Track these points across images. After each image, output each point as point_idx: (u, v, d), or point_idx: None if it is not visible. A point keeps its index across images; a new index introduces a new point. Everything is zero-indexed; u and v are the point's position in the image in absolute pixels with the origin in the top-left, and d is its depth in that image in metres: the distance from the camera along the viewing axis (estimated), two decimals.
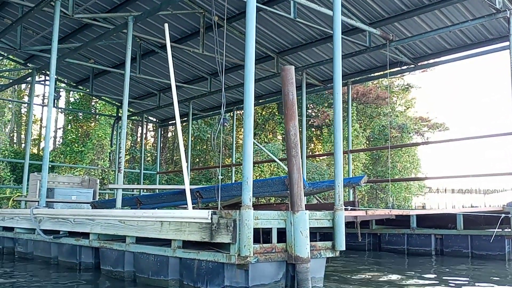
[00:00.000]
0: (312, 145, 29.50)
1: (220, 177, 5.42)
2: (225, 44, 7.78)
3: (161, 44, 11.02)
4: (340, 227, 4.39)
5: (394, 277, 5.29)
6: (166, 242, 4.48)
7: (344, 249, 4.39)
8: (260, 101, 13.12)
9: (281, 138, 27.18)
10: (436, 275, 5.51)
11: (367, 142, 26.52)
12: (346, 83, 11.15)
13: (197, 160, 27.88)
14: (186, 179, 6.71)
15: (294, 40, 10.09)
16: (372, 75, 11.30)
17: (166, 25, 7.13)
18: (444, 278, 5.26)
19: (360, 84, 25.78)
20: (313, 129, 28.72)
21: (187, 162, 13.98)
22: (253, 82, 4.01)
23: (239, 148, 25.38)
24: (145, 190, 14.56)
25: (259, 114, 28.96)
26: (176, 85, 12.31)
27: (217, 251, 3.94)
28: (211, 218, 3.85)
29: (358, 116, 26.50)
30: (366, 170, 25.50)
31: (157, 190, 14.53)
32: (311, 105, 28.35)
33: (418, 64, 10.01)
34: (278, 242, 4.09)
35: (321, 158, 25.51)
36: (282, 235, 4.48)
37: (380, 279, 5.15)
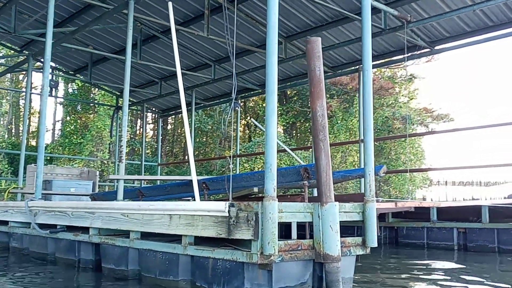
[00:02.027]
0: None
1: (231, 165, 4.95)
2: (234, 27, 7.25)
3: (163, 28, 10.48)
4: (372, 221, 3.90)
5: (425, 276, 4.83)
6: (175, 238, 4.00)
7: (376, 245, 3.90)
8: (265, 89, 12.56)
9: (282, 130, 26.70)
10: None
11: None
12: (357, 69, 10.62)
13: (197, 152, 27.36)
14: (193, 169, 6.22)
15: (303, 23, 9.55)
16: (385, 60, 10.74)
17: (170, 3, 6.62)
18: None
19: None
20: None
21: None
22: (276, 55, 3.52)
23: (240, 140, 24.91)
24: (147, 181, 14.04)
25: (260, 105, 28.45)
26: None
27: (235, 248, 3.45)
28: (229, 211, 3.35)
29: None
30: None
31: (159, 181, 14.05)
32: None
33: (435, 48, 9.47)
34: (298, 237, 3.62)
35: None
36: (300, 229, 4.02)
37: (414, 280, 4.68)
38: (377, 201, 5.81)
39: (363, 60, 4.28)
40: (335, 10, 8.56)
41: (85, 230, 5.00)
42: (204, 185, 6.90)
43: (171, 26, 6.47)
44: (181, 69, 10.97)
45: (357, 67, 10.62)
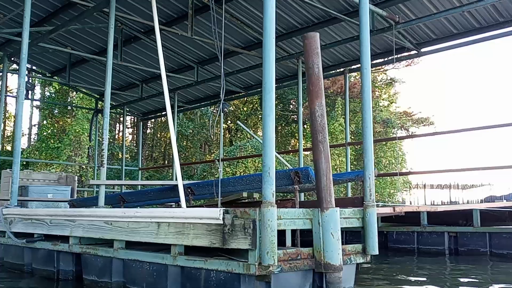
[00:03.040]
0: (292, 140, 28.92)
1: (220, 169, 4.70)
2: (221, 26, 7.02)
3: (144, 28, 10.18)
4: (372, 227, 3.70)
5: (424, 278, 4.64)
6: (164, 247, 3.73)
7: (377, 253, 3.70)
8: (250, 91, 12.36)
9: (261, 134, 26.52)
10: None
11: (352, 137, 26.05)
12: (342, 71, 10.48)
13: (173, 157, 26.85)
14: (179, 174, 5.96)
15: (288, 24, 9.35)
16: (371, 62, 10.60)
17: (153, 0, 6.38)
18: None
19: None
20: (295, 124, 28.16)
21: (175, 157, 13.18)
22: (274, 51, 3.29)
23: (222, 144, 24.59)
24: (127, 187, 13.68)
25: (240, 109, 28.24)
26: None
27: (229, 258, 3.20)
28: (223, 218, 3.11)
29: (343, 110, 25.99)
30: (351, 166, 24.99)
31: (140, 187, 13.68)
32: (294, 100, 27.78)
33: (422, 50, 9.38)
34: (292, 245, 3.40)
35: (304, 153, 24.74)
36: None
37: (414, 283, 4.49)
38: (384, 205, 5.63)
39: (362, 59, 4.10)
40: (321, 11, 8.40)
41: (65, 239, 4.69)
42: (189, 190, 6.64)
43: (154, 24, 6.23)
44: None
45: (343, 69, 10.49)
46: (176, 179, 12.43)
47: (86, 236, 4.33)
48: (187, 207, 5.86)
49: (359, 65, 10.58)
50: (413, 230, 7.47)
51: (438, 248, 7.19)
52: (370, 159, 3.80)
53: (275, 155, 8.18)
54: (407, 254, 7.23)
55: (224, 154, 19.17)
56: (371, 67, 11.66)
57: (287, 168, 8.73)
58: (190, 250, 3.53)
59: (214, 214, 3.13)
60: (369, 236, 3.68)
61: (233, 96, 12.92)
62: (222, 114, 5.25)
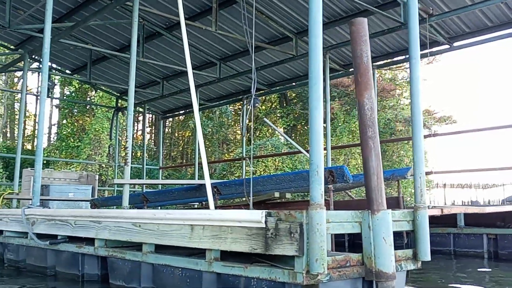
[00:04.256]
0: None
1: (251, 168, 4.44)
2: (249, 18, 6.74)
3: (166, 24, 9.96)
4: (424, 231, 3.38)
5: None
6: (196, 252, 3.47)
7: (429, 259, 3.38)
8: (273, 89, 12.06)
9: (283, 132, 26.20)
10: None
11: None
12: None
13: (195, 155, 26.76)
14: (206, 173, 5.70)
15: None
16: (398, 58, 10.21)
17: None
18: None
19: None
20: None
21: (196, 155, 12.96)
22: (321, 38, 3.01)
23: (240, 143, 24.40)
24: (148, 186, 13.49)
25: (259, 107, 27.92)
26: (183, 71, 11.31)
27: (272, 265, 2.92)
28: (266, 222, 2.82)
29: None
30: None
31: (161, 186, 13.50)
32: None
33: (454, 44, 8.99)
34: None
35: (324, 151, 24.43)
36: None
37: None
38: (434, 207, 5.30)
39: (410, 49, 3.78)
40: (350, 3, 8.07)
41: (90, 241, 4.46)
42: (215, 190, 6.39)
43: (180, 18, 5.95)
44: (185, 67, 10.48)
45: (372, 64, 10.13)
46: (198, 178, 12.22)
47: (113, 239, 4.09)
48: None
49: (387, 61, 10.32)
50: (449, 231, 7.11)
51: (476, 251, 6.82)
52: (421, 157, 3.48)
53: (304, 153, 7.86)
54: (443, 256, 6.88)
55: (242, 153, 18.91)
56: (400, 63, 11.18)
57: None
58: (225, 255, 3.26)
59: (256, 217, 2.86)
60: (421, 241, 3.37)
61: (256, 93, 12.62)
62: (253, 109, 4.96)
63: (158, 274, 3.66)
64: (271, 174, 17.09)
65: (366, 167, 3.05)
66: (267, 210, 2.86)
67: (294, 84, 11.73)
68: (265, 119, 9.99)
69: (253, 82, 4.85)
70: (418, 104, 3.59)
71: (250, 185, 5.04)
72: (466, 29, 8.67)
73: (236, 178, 19.17)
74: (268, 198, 5.85)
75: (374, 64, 10.01)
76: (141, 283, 3.78)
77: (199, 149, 12.37)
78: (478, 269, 5.77)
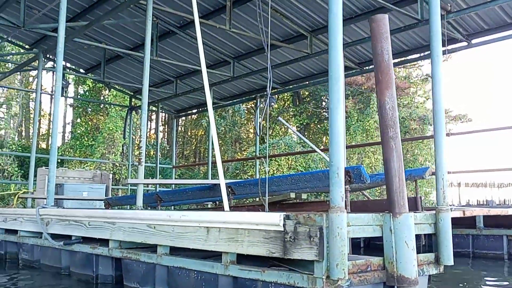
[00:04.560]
0: (325, 137, 28.35)
1: (267, 168, 4.37)
2: (265, 16, 6.65)
3: (180, 23, 9.91)
4: (447, 234, 3.28)
5: None
6: (211, 254, 3.40)
7: (452, 263, 3.28)
8: (287, 87, 11.96)
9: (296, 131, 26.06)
10: None
11: None
12: None
13: (208, 154, 26.73)
14: (221, 173, 5.64)
15: None
16: (414, 56, 10.05)
17: None
18: None
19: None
20: (328, 122, 27.59)
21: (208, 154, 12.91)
22: (341, 35, 2.91)
23: (252, 141, 24.25)
24: (163, 185, 13.48)
25: (272, 107, 27.79)
26: (197, 70, 11.26)
27: (290, 269, 2.84)
28: (284, 225, 2.74)
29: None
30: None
31: (174, 185, 13.49)
32: (327, 97, 27.24)
33: (472, 41, 8.81)
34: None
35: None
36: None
37: None
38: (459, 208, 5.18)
39: (432, 46, 3.66)
40: (367, 0, 7.95)
41: (104, 242, 4.41)
42: (229, 190, 6.33)
43: (194, 16, 5.89)
44: (199, 66, 10.42)
45: None
46: (212, 178, 12.16)
47: (127, 240, 4.04)
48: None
49: (402, 58, 10.16)
50: (468, 233, 6.97)
51: (495, 253, 6.68)
52: (443, 158, 3.38)
53: (320, 153, 7.76)
54: (462, 258, 6.74)
55: (255, 152, 18.81)
56: (416, 61, 10.97)
57: None
58: (241, 258, 3.19)
59: (274, 220, 2.78)
60: (443, 244, 3.27)
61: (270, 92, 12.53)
62: (268, 108, 4.88)
63: (173, 277, 3.60)
64: (286, 174, 16.98)
65: (387, 169, 2.95)
66: (285, 213, 2.77)
67: (308, 82, 11.61)
68: (280, 118, 9.90)
69: (268, 81, 4.76)
70: (441, 103, 3.48)
71: (265, 185, 4.96)
72: (484, 26, 8.50)
73: (249, 177, 19.10)
74: (283, 199, 5.77)
75: None
76: (155, 285, 3.72)
77: (213, 148, 12.28)
78: (500, 271, 5.64)
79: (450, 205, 6.39)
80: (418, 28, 8.45)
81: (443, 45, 8.41)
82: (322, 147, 26.63)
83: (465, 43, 8.80)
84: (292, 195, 5.60)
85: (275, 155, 15.87)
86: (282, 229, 2.75)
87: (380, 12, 8.31)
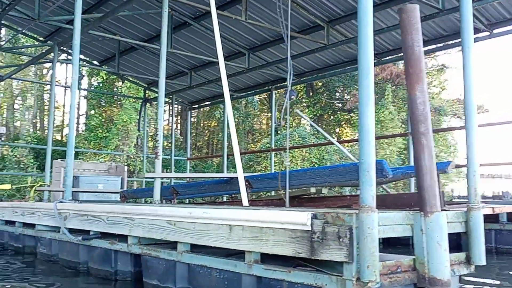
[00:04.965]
0: (338, 129, 28.13)
1: (287, 162, 4.27)
2: (277, 8, 6.52)
3: (194, 14, 9.81)
4: (478, 233, 3.16)
5: None
6: (234, 252, 3.32)
7: (484, 263, 3.16)
8: (302, 79, 11.81)
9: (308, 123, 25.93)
10: None
11: (403, 126, 25.10)
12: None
13: (221, 146, 26.68)
14: (239, 166, 5.56)
15: (347, 6, 8.75)
16: (432, 47, 9.82)
17: None
18: None
19: (393, 65, 24.26)
20: (342, 112, 27.40)
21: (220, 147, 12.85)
22: (372, 21, 2.77)
23: (265, 134, 24.14)
24: (178, 178, 13.43)
25: (282, 100, 27.60)
26: (211, 62, 11.16)
27: (317, 270, 2.75)
28: (312, 224, 2.65)
29: (393, 98, 24.99)
30: (402, 155, 24.24)
31: (188, 179, 13.45)
32: (341, 87, 26.99)
33: (494, 31, 8.59)
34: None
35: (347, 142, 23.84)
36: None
37: None
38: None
39: (463, 35, 3.51)
40: None
41: (123, 237, 4.35)
42: (247, 183, 6.23)
43: (211, 6, 5.79)
44: (214, 58, 10.33)
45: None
46: (226, 169, 12.03)
47: (147, 237, 3.98)
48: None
49: (424, 48, 9.92)
50: (490, 228, 6.80)
51: None
52: (475, 152, 3.25)
53: (338, 145, 7.64)
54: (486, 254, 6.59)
55: (271, 144, 18.67)
56: (434, 52, 10.66)
57: (351, 161, 8.18)
58: (265, 257, 3.10)
59: (301, 219, 2.68)
60: (475, 244, 3.15)
61: (284, 83, 12.41)
62: (288, 101, 4.77)
63: (194, 275, 3.53)
64: (305, 168, 16.87)
65: (418, 166, 2.83)
66: (313, 212, 2.67)
67: (324, 74, 11.43)
68: (297, 110, 9.78)
69: (288, 74, 4.66)
70: (472, 95, 3.34)
71: (286, 179, 4.87)
72: (507, 15, 8.27)
73: (263, 169, 19.00)
74: (303, 193, 5.67)
75: None
76: (176, 283, 3.65)
77: (228, 140, 12.13)
78: None
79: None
80: (439, 18, 8.25)
81: (457, 37, 8.26)
82: (335, 139, 26.44)
83: (487, 33, 8.59)
84: (313, 190, 5.51)
85: (293, 147, 15.71)
86: (310, 229, 2.65)
87: (399, 2, 8.15)
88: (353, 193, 11.34)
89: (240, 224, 3.10)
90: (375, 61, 10.18)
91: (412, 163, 9.29)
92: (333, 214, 2.60)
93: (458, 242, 5.58)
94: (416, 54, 2.88)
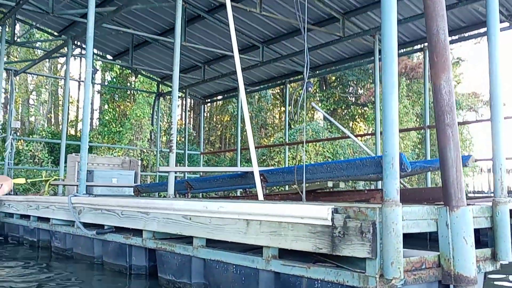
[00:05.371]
0: (351, 123, 27.88)
1: (304, 156, 4.16)
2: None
3: (208, 7, 9.72)
4: (504, 228, 3.05)
5: None
6: (250, 247, 3.24)
7: (511, 259, 3.04)
8: (317, 72, 11.68)
9: (322, 117, 25.77)
10: None
11: (417, 120, 24.82)
12: (421, 48, 9.60)
13: (234, 140, 26.63)
14: (254, 160, 5.47)
15: None
16: (450, 38, 9.64)
17: None
18: None
19: (408, 58, 23.96)
20: (355, 106, 27.19)
21: (235, 141, 12.78)
22: (396, 12, 2.66)
23: (278, 127, 23.98)
24: (193, 173, 13.40)
25: (298, 91, 27.45)
26: (225, 55, 11.07)
27: (337, 266, 2.66)
28: (333, 219, 2.55)
29: (407, 92, 24.70)
30: (416, 149, 23.98)
31: (201, 173, 13.40)
32: (354, 81, 26.74)
33: None
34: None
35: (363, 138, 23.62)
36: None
37: None
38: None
39: (489, 24, 3.38)
40: None
41: (137, 232, 4.30)
42: (262, 177, 6.15)
43: None
44: (228, 51, 10.25)
45: (421, 45, 9.60)
46: (240, 164, 11.94)
47: (162, 231, 3.92)
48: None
49: None
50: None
51: None
52: (501, 145, 3.12)
53: (355, 139, 7.52)
54: None
55: (284, 138, 18.56)
56: (455, 43, 10.45)
57: (377, 155, 8.07)
58: (283, 253, 3.02)
59: (321, 214, 2.59)
60: (501, 239, 3.03)
61: (297, 77, 12.31)
62: (305, 94, 4.66)
63: (210, 270, 3.46)
64: (323, 161, 16.74)
65: (443, 158, 2.72)
66: (333, 206, 2.58)
67: (339, 67, 11.29)
68: (313, 103, 9.66)
69: (305, 65, 4.55)
70: (498, 87, 3.21)
71: (302, 173, 4.77)
72: None
73: (276, 163, 18.91)
74: (319, 188, 5.57)
75: (425, 44, 9.50)
76: (192, 278, 3.59)
77: (241, 134, 12.01)
78: None
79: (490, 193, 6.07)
80: (457, 8, 8.08)
81: (483, 26, 8.07)
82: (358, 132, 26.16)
83: (506, 24, 8.39)
84: (330, 184, 5.41)
85: (309, 141, 15.59)
86: (330, 224, 2.56)
87: None
88: (368, 188, 11.20)
89: (258, 218, 3.01)
90: None
91: (428, 157, 9.14)
92: (355, 209, 2.51)
93: (477, 237, 5.42)
94: (441, 42, 2.76)
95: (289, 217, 2.80)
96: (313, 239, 2.66)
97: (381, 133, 9.15)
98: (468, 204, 2.73)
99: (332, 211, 2.56)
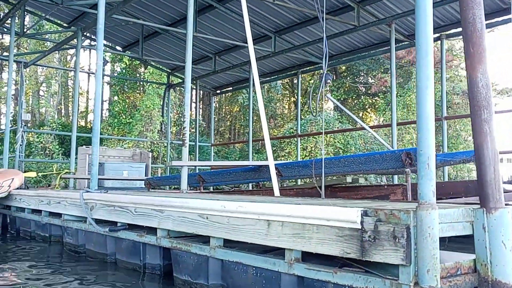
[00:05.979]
0: (362, 113, 27.58)
1: (322, 147, 4.00)
2: None
3: None
4: None
5: None
6: (270, 249, 3.08)
7: None
8: (330, 62, 11.44)
9: (333, 107, 25.52)
10: None
11: None
12: (438, 37, 9.33)
13: (244, 131, 26.48)
14: (270, 154, 5.33)
15: None
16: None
17: None
18: None
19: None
20: (366, 96, 26.89)
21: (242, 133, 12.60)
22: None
23: (287, 118, 23.73)
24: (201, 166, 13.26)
25: (308, 82, 27.18)
26: (236, 46, 10.88)
27: (366, 271, 2.50)
28: (362, 222, 2.39)
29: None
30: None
31: (209, 168, 13.26)
32: (365, 71, 26.41)
33: None
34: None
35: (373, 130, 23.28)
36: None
37: None
38: None
39: None
40: None
41: (151, 230, 4.18)
42: (276, 171, 5.99)
43: None
44: (239, 41, 10.04)
45: (439, 34, 9.33)
46: (252, 156, 11.78)
47: (177, 230, 3.78)
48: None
49: (459, 29, 9.47)
50: None
51: None
52: None
53: (373, 133, 7.32)
54: None
55: (295, 129, 18.34)
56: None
57: (398, 149, 7.87)
58: (306, 256, 2.86)
59: (350, 216, 2.43)
60: None
61: (310, 68, 12.09)
62: (324, 85, 4.49)
63: (228, 272, 3.32)
64: (341, 155, 16.54)
65: (479, 156, 2.54)
66: (363, 208, 2.42)
67: (352, 57, 11.06)
68: (328, 95, 9.43)
69: (324, 57, 4.37)
70: None
71: (322, 168, 4.61)
72: None
73: (287, 154, 18.73)
74: (337, 183, 5.41)
75: (443, 33, 9.23)
76: (209, 279, 3.45)
77: (254, 126, 11.81)
78: None
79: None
80: None
81: (495, 16, 7.83)
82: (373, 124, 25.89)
83: None
84: (349, 179, 5.24)
85: (330, 131, 15.35)
86: (360, 227, 2.40)
87: None
88: (384, 183, 11.01)
89: (280, 219, 2.86)
90: (407, 42, 9.78)
91: (446, 150, 8.92)
92: (387, 211, 2.34)
93: None
94: (478, 31, 2.57)
95: (314, 219, 2.64)
96: (340, 242, 2.50)
97: (397, 124, 8.95)
98: (506, 205, 2.55)
99: (361, 214, 2.40)
